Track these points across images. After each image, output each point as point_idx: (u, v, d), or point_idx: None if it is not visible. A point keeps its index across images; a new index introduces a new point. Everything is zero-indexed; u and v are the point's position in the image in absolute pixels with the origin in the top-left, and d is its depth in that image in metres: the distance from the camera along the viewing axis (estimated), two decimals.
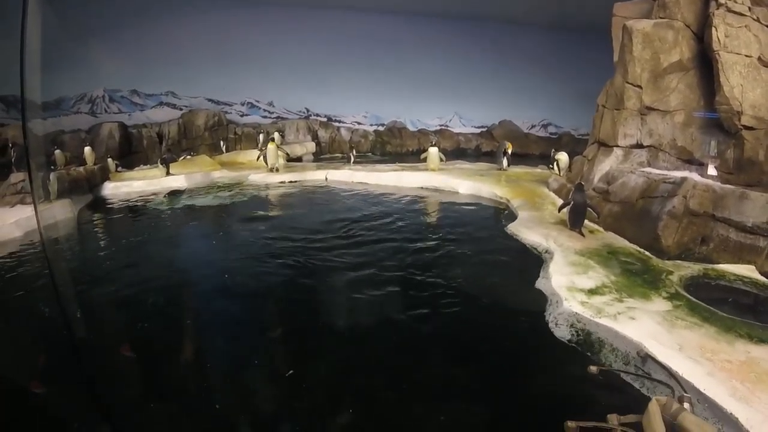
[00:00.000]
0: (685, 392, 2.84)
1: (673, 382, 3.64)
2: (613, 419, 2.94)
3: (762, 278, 6.20)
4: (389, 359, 5.07)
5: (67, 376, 3.28)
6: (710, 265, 6.69)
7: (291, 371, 4.67)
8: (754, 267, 6.40)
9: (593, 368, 3.04)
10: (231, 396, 4.41)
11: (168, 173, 15.79)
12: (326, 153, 25.11)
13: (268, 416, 4.23)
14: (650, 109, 9.22)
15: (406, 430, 4.05)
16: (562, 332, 5.34)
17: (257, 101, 25.39)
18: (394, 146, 26.78)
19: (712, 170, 7.98)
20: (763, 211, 6.45)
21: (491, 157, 19.71)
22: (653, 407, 2.56)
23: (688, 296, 5.73)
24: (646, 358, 4.34)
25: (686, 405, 2.55)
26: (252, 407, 4.31)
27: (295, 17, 24.39)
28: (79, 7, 19.76)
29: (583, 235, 8.28)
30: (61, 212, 10.84)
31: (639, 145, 9.44)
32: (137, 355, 4.82)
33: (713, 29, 7.94)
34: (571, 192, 8.89)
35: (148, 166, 17.51)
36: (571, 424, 2.94)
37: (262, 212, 11.70)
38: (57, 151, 15.08)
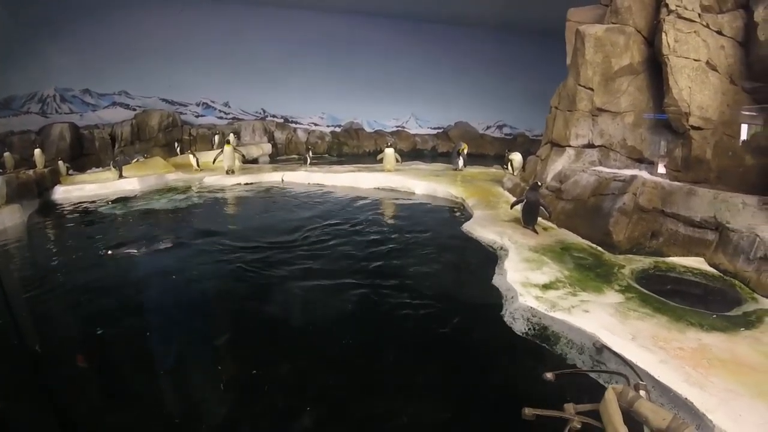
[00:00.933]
0: (641, 380, 2.81)
1: (628, 370, 3.63)
2: (570, 408, 2.88)
3: (711, 269, 6.33)
4: (346, 360, 4.93)
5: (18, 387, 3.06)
6: (661, 259, 6.81)
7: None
8: (703, 259, 6.54)
9: (549, 375, 2.98)
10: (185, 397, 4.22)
11: (121, 176, 15.26)
12: (283, 154, 24.83)
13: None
14: (601, 110, 9.39)
15: (368, 428, 3.93)
16: (519, 326, 5.31)
17: (213, 102, 24.87)
18: (351, 147, 26.70)
19: (661, 168, 8.18)
20: (710, 206, 6.61)
21: (447, 157, 19.80)
22: (609, 395, 2.53)
23: (640, 288, 5.80)
24: (601, 348, 4.34)
25: (642, 392, 2.53)
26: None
27: (251, 16, 24.07)
28: (29, 4, 19.02)
29: (536, 232, 8.33)
30: (10, 218, 10.37)
31: (590, 145, 9.59)
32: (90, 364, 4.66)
33: (663, 34, 8.13)
34: (525, 190, 8.95)
35: (101, 168, 16.84)
36: (528, 411, 2.88)
37: (215, 216, 11.37)
38: (6, 154, 14.46)
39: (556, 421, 2.77)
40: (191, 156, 17.13)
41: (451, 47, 26.88)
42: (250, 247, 8.50)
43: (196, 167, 16.13)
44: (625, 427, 2.39)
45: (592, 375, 4.30)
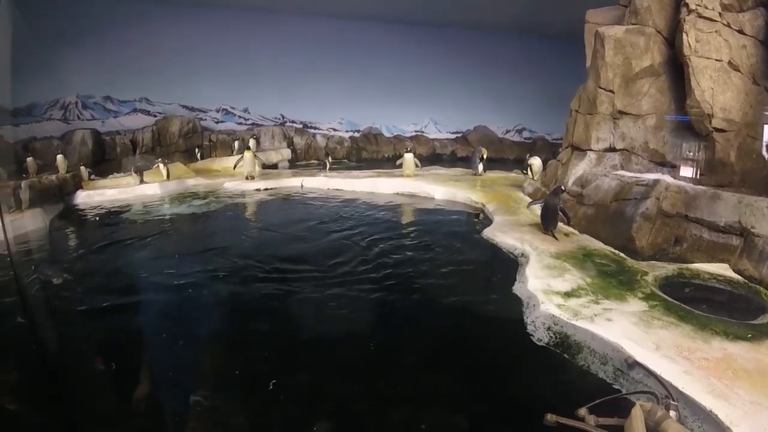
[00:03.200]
0: (673, 400, 2.78)
1: (660, 388, 3.61)
2: (591, 420, 2.88)
3: (735, 276, 6.24)
4: (368, 367, 4.96)
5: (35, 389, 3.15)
6: (684, 265, 6.72)
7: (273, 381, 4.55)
8: (727, 265, 6.44)
9: (582, 411, 2.96)
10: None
11: (142, 181, 15.50)
12: (302, 160, 24.91)
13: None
14: (622, 113, 9.31)
15: None
16: (541, 335, 5.29)
17: (232, 108, 25.08)
18: (370, 152, 26.70)
19: (687, 171, 8.06)
20: (734, 210, 6.52)
21: (466, 162, 19.73)
22: (636, 412, 2.51)
23: (664, 296, 5.73)
24: (633, 365, 4.26)
25: (672, 413, 2.50)
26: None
27: (269, 23, 24.21)
28: (50, 12, 19.41)
29: (555, 237, 8.28)
30: (32, 222, 10.53)
31: (612, 149, 9.52)
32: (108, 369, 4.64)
33: (684, 35, 8.04)
34: (546, 194, 8.91)
35: (122, 174, 17.10)
36: (550, 417, 2.90)
37: (236, 221, 11.52)
38: (29, 159, 14.70)
39: (577, 431, 2.77)
40: (161, 166, 16.66)
41: (469, 51, 26.78)
42: (270, 250, 8.64)
43: (165, 178, 16.03)
44: None
45: (617, 386, 4.29)
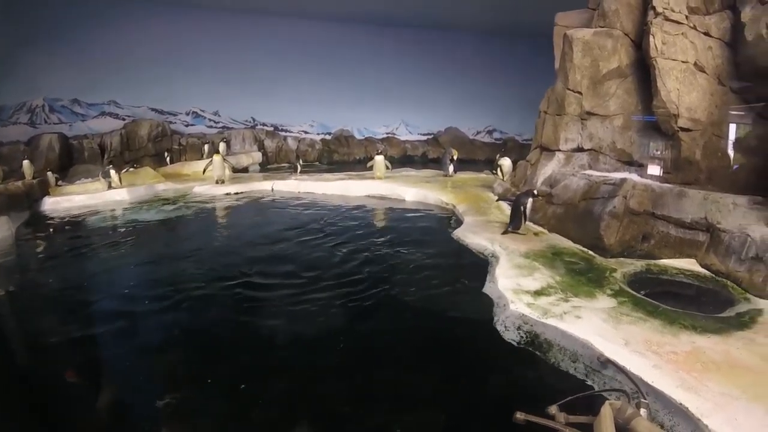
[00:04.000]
0: (644, 398, 2.75)
1: (632, 386, 3.57)
2: (560, 417, 2.82)
3: (703, 270, 6.30)
4: (340, 369, 4.87)
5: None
6: (652, 261, 6.76)
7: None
8: (694, 260, 6.50)
9: (553, 409, 2.90)
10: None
11: (110, 187, 15.11)
12: (273, 163, 24.71)
13: None
14: (590, 114, 9.39)
15: None
16: (511, 335, 5.24)
17: (202, 110, 24.75)
18: (342, 155, 26.64)
19: (655, 170, 8.14)
20: (700, 207, 6.59)
21: (437, 163, 19.79)
22: (606, 410, 2.48)
23: (632, 292, 5.75)
24: (606, 363, 4.19)
25: (643, 411, 2.48)
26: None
27: (240, 25, 24.04)
28: (17, 15, 18.94)
29: (519, 233, 8.39)
30: None
31: (580, 149, 9.59)
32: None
33: (651, 37, 8.13)
34: (518, 193, 8.94)
35: (90, 179, 16.66)
36: (519, 415, 2.84)
37: (205, 227, 11.32)
38: None
39: (546, 429, 2.71)
40: (112, 171, 15.64)
41: (440, 53, 26.98)
42: (239, 256, 8.46)
43: (111, 186, 15.30)
44: None
45: (589, 382, 4.25)
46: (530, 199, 8.52)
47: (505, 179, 13.36)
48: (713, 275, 6.15)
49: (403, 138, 28.33)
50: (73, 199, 14.09)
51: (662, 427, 3.47)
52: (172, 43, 22.94)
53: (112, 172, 15.44)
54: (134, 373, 4.86)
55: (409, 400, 4.32)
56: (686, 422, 3.40)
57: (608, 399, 2.60)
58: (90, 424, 4.08)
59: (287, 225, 10.82)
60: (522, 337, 5.15)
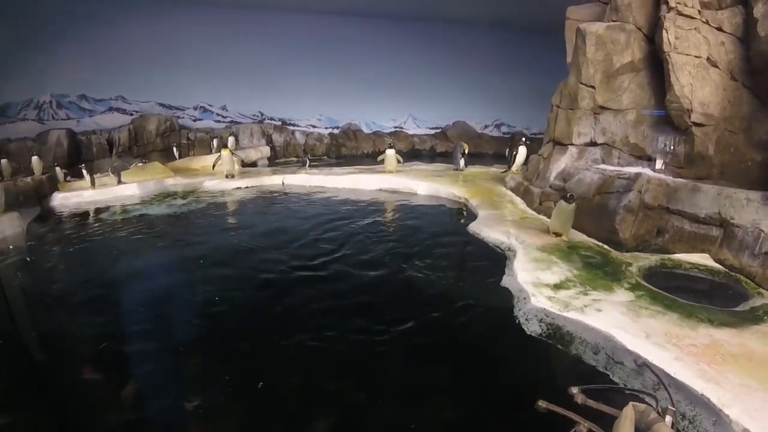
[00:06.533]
0: (673, 406, 2.83)
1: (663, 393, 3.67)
2: (574, 390, 2.94)
3: (716, 265, 6.44)
4: (362, 363, 5.02)
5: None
6: (667, 255, 6.92)
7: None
8: (708, 255, 6.64)
9: (574, 389, 3.00)
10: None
11: (119, 182, 15.23)
12: (281, 157, 24.71)
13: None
14: (603, 108, 9.50)
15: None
16: (533, 327, 5.41)
17: (210, 105, 24.78)
18: (350, 149, 26.65)
19: (659, 164, 8.28)
20: (714, 202, 6.72)
21: (446, 157, 19.86)
22: (627, 412, 2.52)
23: (649, 286, 5.91)
24: (642, 366, 4.25)
25: (668, 418, 2.51)
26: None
27: (247, 19, 24.02)
28: (24, 11, 19.04)
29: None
30: (9, 226, 10.29)
31: (593, 143, 9.71)
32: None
33: (664, 31, 8.22)
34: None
35: (99, 174, 16.82)
36: (542, 404, 2.95)
37: (217, 221, 11.43)
38: (3, 161, 14.26)
39: (566, 421, 2.83)
40: (85, 172, 15.46)
41: (448, 46, 26.92)
42: (256, 249, 8.62)
43: (91, 184, 15.01)
44: None
45: (616, 379, 4.41)
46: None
47: (514, 170, 13.44)
48: (727, 270, 6.30)
49: (410, 132, 28.31)
50: (83, 195, 14.20)
51: None
52: (180, 38, 22.96)
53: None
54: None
55: (428, 393, 4.46)
56: (707, 412, 3.58)
57: (632, 402, 2.67)
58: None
59: (301, 219, 10.97)
60: (543, 329, 5.33)
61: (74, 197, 14.00)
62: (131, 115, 22.47)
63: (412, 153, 25.84)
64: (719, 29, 8.24)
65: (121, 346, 5.45)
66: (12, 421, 4.01)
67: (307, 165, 18.93)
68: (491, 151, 26.11)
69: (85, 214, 12.40)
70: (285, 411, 4.24)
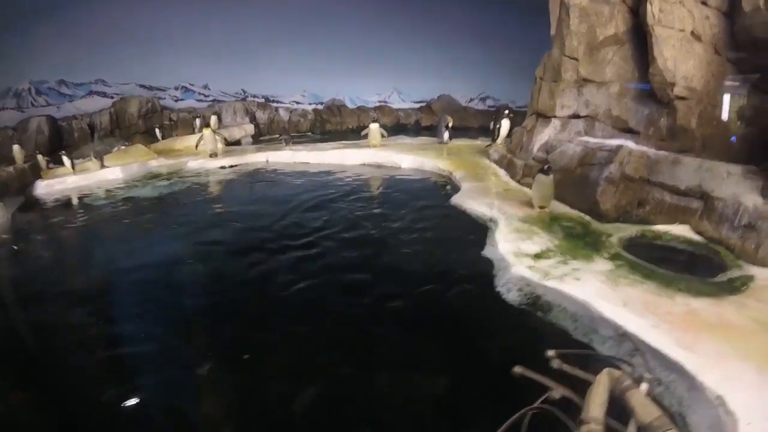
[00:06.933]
0: (649, 374, 2.81)
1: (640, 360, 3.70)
2: (551, 353, 2.95)
3: (696, 236, 6.46)
4: (347, 335, 5.01)
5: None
6: (647, 227, 6.92)
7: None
8: (688, 227, 6.66)
9: (551, 352, 3.01)
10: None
11: (102, 166, 15.05)
12: (265, 134, 24.49)
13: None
14: (587, 80, 9.46)
15: (371, 404, 4.01)
16: (513, 296, 5.43)
17: (191, 85, 24.48)
18: (334, 124, 26.47)
19: (648, 137, 8.25)
20: (695, 174, 6.73)
21: (431, 131, 19.79)
22: (602, 378, 2.52)
23: (629, 256, 5.93)
24: (624, 335, 4.26)
25: (643, 385, 2.51)
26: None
27: None
28: None
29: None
30: None
31: (576, 116, 9.68)
32: None
33: (648, 4, 8.16)
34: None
35: (81, 159, 16.47)
36: (517, 369, 2.96)
37: (201, 201, 11.37)
38: None
39: (541, 386, 2.82)
40: (65, 158, 15.05)
41: (432, 20, 26.86)
42: (242, 227, 8.54)
43: (71, 170, 14.77)
44: (601, 412, 2.40)
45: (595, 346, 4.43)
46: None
47: (499, 142, 13.41)
48: (707, 241, 6.31)
49: (395, 106, 28.17)
50: (66, 181, 14.08)
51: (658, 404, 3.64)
52: (159, 18, 22.58)
53: (65, 159, 15.08)
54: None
55: (413, 363, 4.48)
56: (682, 378, 3.60)
57: (606, 369, 2.64)
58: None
59: (285, 196, 10.93)
60: (523, 298, 5.35)
61: (58, 184, 13.88)
62: (112, 98, 22.14)
63: (397, 127, 25.70)
64: (704, 3, 8.20)
65: (111, 327, 5.44)
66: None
67: (290, 143, 18.72)
68: (476, 125, 26.05)
69: (69, 201, 12.26)
70: (274, 385, 4.24)
